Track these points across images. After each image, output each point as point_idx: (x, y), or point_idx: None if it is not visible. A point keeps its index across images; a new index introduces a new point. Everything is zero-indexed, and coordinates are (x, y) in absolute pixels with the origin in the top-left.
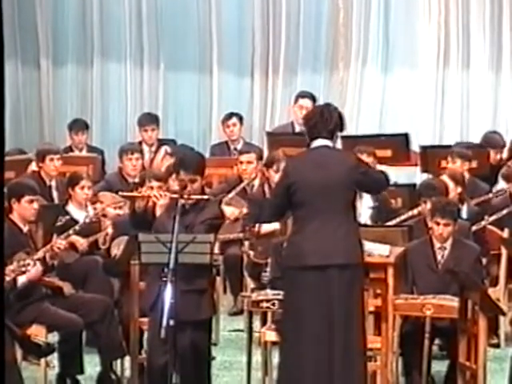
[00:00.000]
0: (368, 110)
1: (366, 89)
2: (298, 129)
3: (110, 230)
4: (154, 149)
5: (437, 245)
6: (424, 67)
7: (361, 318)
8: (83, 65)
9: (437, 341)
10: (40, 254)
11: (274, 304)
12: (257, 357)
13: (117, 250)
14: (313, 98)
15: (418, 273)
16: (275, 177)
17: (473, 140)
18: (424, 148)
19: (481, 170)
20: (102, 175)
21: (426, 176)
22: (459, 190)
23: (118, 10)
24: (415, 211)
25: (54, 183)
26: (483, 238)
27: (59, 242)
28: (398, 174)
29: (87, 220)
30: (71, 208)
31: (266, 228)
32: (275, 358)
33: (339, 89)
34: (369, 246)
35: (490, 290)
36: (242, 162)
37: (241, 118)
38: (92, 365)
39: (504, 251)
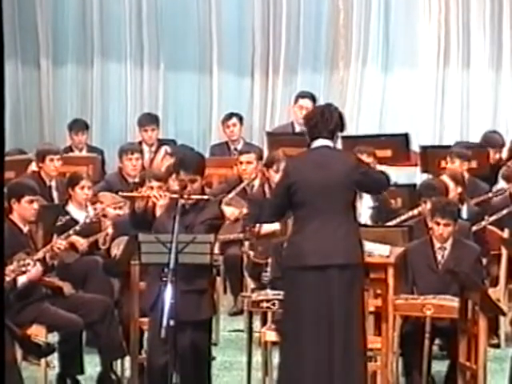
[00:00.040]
0: (368, 109)
1: (366, 89)
2: (298, 129)
3: (110, 230)
4: (154, 149)
5: (437, 245)
6: (424, 67)
7: (361, 318)
8: (83, 65)
9: (437, 341)
10: (40, 254)
11: (274, 304)
12: (257, 357)
13: (117, 250)
14: (313, 98)
15: (418, 273)
16: (275, 177)
17: (473, 140)
18: (424, 148)
19: (480, 169)
20: (102, 175)
21: (426, 176)
22: (459, 190)
23: (117, 9)
24: (415, 211)
25: (53, 183)
26: (483, 238)
27: (59, 242)
28: (398, 174)
29: (87, 220)
30: (71, 208)
31: (266, 228)
32: (275, 358)
33: (339, 89)
34: (369, 246)
35: (490, 291)
36: (241, 162)
37: (241, 118)
38: (92, 365)
39: (504, 251)
